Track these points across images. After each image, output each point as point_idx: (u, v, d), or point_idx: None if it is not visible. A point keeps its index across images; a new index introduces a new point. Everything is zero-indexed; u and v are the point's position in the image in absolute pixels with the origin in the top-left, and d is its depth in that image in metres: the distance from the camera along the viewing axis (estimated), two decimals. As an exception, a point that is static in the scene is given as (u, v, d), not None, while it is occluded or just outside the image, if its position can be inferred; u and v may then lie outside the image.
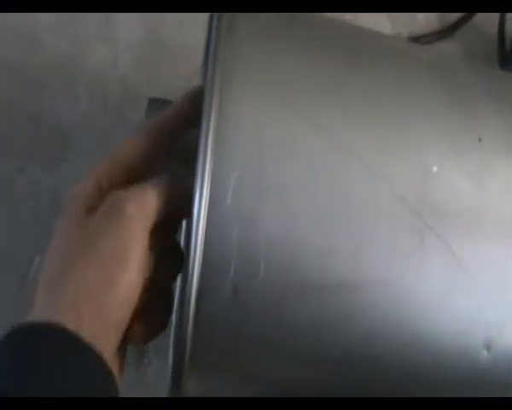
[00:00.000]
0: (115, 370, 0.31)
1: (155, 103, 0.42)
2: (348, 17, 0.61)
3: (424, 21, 0.62)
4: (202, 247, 0.30)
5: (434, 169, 0.34)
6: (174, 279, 0.35)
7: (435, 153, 0.34)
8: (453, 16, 0.62)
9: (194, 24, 0.56)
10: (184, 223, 0.41)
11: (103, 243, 0.30)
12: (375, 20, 0.61)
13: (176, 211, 0.33)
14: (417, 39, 0.61)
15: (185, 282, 0.30)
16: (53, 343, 0.28)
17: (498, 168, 0.35)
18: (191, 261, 0.30)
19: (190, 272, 0.30)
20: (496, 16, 0.61)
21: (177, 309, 0.34)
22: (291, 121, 0.32)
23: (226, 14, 0.34)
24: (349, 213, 0.32)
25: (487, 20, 0.62)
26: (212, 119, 0.30)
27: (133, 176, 0.33)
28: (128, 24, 0.55)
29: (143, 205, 0.30)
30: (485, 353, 0.34)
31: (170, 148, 0.35)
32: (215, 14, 0.34)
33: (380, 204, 0.33)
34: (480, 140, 0.35)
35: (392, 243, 0.33)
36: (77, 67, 0.53)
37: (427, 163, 0.34)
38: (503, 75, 0.42)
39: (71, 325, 0.29)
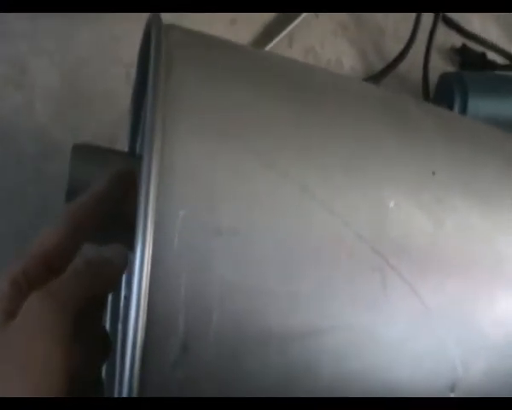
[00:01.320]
0: None
1: (80, 150, 0.38)
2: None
3: (350, 70, 0.62)
4: (146, 300, 0.26)
5: (391, 205, 0.32)
6: (103, 364, 0.34)
7: (391, 189, 0.33)
8: (379, 65, 0.62)
9: (116, 71, 0.53)
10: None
11: (25, 349, 0.29)
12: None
13: (100, 292, 0.33)
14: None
15: (126, 342, 0.26)
16: None
17: (454, 204, 0.34)
18: (133, 317, 0.26)
19: (132, 329, 0.26)
20: (420, 64, 0.62)
21: (119, 372, 0.31)
22: (244, 160, 0.30)
23: (164, 44, 0.31)
24: (308, 254, 0.30)
25: (411, 68, 0.63)
26: (155, 152, 0.27)
27: (51, 267, 0.32)
28: (44, 71, 0.51)
29: (61, 302, 0.30)
30: (451, 395, 0.33)
31: (90, 230, 0.34)
32: (152, 46, 0.31)
33: (339, 243, 0.31)
34: (433, 173, 0.34)
35: (354, 284, 0.31)
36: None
37: (384, 199, 0.32)
38: (450, 114, 0.41)
39: None
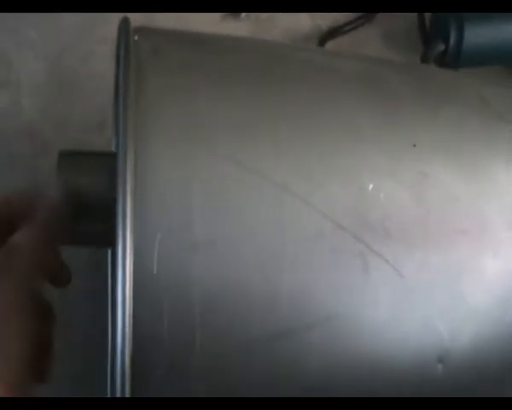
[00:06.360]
0: None
1: (67, 157, 0.38)
2: (265, 16, 0.58)
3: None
4: (131, 329, 0.27)
5: (370, 187, 0.32)
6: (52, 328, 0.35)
7: (370, 170, 0.33)
8: (371, 1, 0.60)
9: (101, 51, 0.52)
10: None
11: None
12: (294, 16, 0.58)
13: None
14: (338, 29, 0.59)
15: (114, 367, 0.27)
16: None
17: (436, 176, 0.34)
18: (119, 343, 0.27)
19: (119, 355, 0.27)
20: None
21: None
22: (216, 169, 0.30)
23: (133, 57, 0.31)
24: (288, 253, 0.30)
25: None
26: (129, 178, 0.27)
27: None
28: (28, 64, 0.51)
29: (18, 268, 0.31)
30: (439, 366, 0.33)
31: None
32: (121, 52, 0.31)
33: (320, 237, 0.31)
34: (414, 146, 0.33)
35: (337, 275, 0.32)
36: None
37: (362, 183, 0.32)
38: (431, 75, 0.40)
39: None
